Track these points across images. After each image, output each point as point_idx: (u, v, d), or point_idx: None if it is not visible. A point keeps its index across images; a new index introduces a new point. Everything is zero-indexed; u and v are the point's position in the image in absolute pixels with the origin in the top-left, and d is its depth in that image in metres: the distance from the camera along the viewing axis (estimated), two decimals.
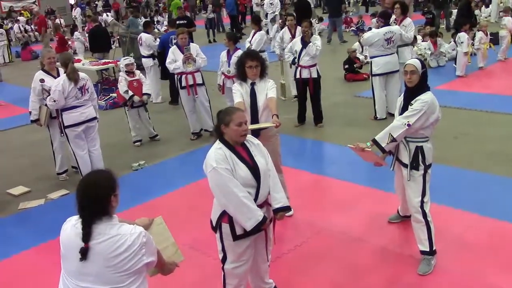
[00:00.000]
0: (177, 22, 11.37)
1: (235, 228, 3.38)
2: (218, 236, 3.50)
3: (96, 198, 2.50)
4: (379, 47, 7.95)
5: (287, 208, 3.57)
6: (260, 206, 3.42)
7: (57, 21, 22.14)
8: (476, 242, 4.52)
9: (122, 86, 7.78)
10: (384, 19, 8.18)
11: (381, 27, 8.09)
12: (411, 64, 4.08)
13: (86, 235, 2.45)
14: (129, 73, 7.88)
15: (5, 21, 23.45)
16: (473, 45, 11.22)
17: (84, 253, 2.45)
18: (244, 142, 3.46)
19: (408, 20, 8.56)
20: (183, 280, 4.14)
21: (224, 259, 3.53)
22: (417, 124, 3.99)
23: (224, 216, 3.39)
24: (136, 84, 7.82)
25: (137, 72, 8.10)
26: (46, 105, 6.39)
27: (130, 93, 7.71)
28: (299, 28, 9.23)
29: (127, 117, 8.00)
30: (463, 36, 10.79)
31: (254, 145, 3.53)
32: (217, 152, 3.33)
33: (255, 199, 3.37)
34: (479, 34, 11.17)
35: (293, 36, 9.14)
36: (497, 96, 9.17)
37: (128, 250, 2.46)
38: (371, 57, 8.19)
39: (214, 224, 3.50)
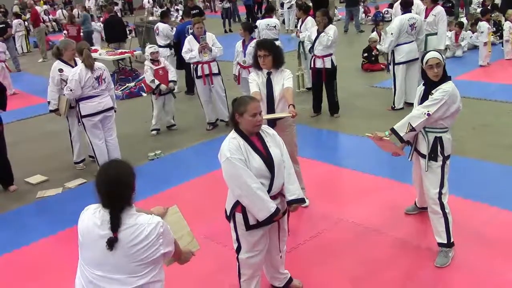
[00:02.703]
0: (191, 12, 11.39)
1: (248, 218, 3.38)
2: (232, 225, 3.51)
3: (126, 188, 2.51)
4: (403, 33, 7.83)
5: (301, 200, 3.54)
6: (274, 197, 3.41)
7: (75, 11, 22.20)
8: (495, 235, 4.44)
9: (148, 75, 7.81)
10: (403, 7, 8.07)
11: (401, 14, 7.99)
12: (435, 57, 3.94)
13: (115, 225, 2.45)
14: (154, 61, 7.91)
15: (23, 11, 23.61)
16: (494, 33, 10.99)
17: (111, 243, 2.44)
18: (259, 132, 3.44)
19: (438, 8, 8.43)
20: (199, 269, 4.15)
21: (238, 249, 3.53)
22: (437, 114, 3.92)
23: (238, 205, 3.38)
24: (161, 73, 7.86)
25: (162, 59, 8.15)
26: (64, 94, 6.44)
27: (157, 82, 7.75)
28: (308, 18, 9.17)
29: (153, 105, 8.03)
30: (483, 25, 10.60)
31: (270, 135, 3.50)
32: (231, 142, 3.32)
33: (269, 190, 3.36)
34: (508, 24, 10.87)
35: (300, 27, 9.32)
36: None
37: (146, 240, 2.47)
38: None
39: (228, 213, 3.51)
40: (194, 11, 11.52)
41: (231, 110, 3.51)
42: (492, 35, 10.91)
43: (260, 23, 9.59)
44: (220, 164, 3.35)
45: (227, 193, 3.51)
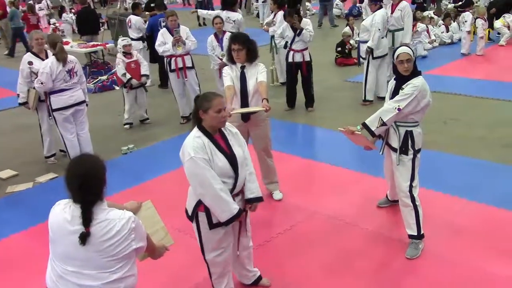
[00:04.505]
0: (151, 5, 11.12)
1: (212, 217, 3.33)
2: (194, 225, 3.45)
3: (97, 182, 2.48)
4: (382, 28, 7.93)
5: (260, 199, 3.52)
6: (237, 194, 3.40)
7: (43, 2, 21.65)
8: (464, 227, 4.56)
9: (120, 68, 7.70)
10: (379, 1, 8.12)
11: (375, 11, 8.03)
12: (406, 52, 4.02)
13: (87, 220, 2.43)
14: (126, 54, 7.80)
15: None
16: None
17: (84, 238, 2.42)
18: (222, 130, 3.40)
19: (403, 3, 8.52)
20: (172, 263, 4.14)
21: (203, 250, 3.50)
22: (407, 109, 4.00)
23: (200, 204, 3.33)
24: (134, 66, 7.75)
25: (135, 52, 8.04)
26: (34, 87, 6.32)
27: (128, 76, 7.65)
28: (280, 12, 9.12)
29: (124, 99, 7.94)
30: (467, 15, 10.93)
31: (232, 133, 3.47)
32: (195, 141, 3.25)
33: (233, 189, 3.34)
34: (480, 21, 11.12)
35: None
36: (488, 81, 9.22)
37: (117, 235, 2.45)
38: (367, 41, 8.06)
39: (190, 213, 3.44)
40: (152, 4, 11.23)
41: (193, 107, 3.41)
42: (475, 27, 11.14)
43: (221, 14, 9.40)
44: (182, 162, 3.29)
45: (188, 193, 3.46)
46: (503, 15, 12.29)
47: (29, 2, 17.53)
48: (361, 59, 8.45)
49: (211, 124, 3.31)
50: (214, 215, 3.32)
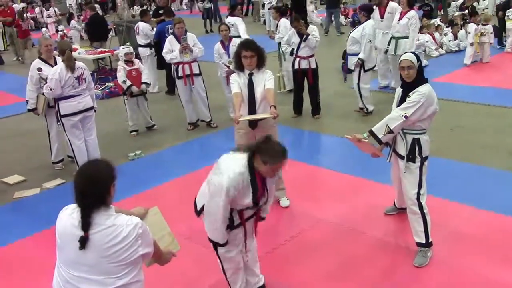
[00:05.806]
0: (159, 11, 11.22)
1: None
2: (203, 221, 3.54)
3: (98, 188, 2.48)
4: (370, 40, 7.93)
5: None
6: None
7: (51, 10, 21.74)
8: (472, 235, 4.53)
9: (121, 76, 7.73)
10: (368, 13, 8.09)
11: (364, 21, 7.99)
12: (407, 59, 4.02)
13: (86, 224, 2.44)
14: (128, 62, 7.84)
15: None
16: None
17: (83, 242, 2.43)
18: None
19: (412, 13, 8.51)
20: (178, 269, 4.14)
21: (215, 245, 3.51)
22: (414, 116, 3.99)
23: None
24: (135, 74, 7.78)
25: (136, 61, 8.06)
26: (43, 93, 6.36)
27: (128, 83, 7.68)
28: (282, 20, 9.17)
29: (126, 106, 7.97)
30: (470, 26, 10.91)
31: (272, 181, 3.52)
32: (236, 177, 3.23)
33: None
34: (490, 29, 11.08)
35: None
36: (494, 89, 9.20)
37: (124, 241, 2.45)
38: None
39: (198, 208, 3.51)
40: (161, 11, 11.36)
41: (256, 142, 3.40)
42: (480, 35, 11.05)
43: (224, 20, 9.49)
44: (214, 173, 3.33)
45: (201, 188, 3.52)
46: (508, 14, 12.15)
47: (20, 9, 17.62)
48: (347, 73, 8.38)
49: (261, 171, 3.30)
50: None
